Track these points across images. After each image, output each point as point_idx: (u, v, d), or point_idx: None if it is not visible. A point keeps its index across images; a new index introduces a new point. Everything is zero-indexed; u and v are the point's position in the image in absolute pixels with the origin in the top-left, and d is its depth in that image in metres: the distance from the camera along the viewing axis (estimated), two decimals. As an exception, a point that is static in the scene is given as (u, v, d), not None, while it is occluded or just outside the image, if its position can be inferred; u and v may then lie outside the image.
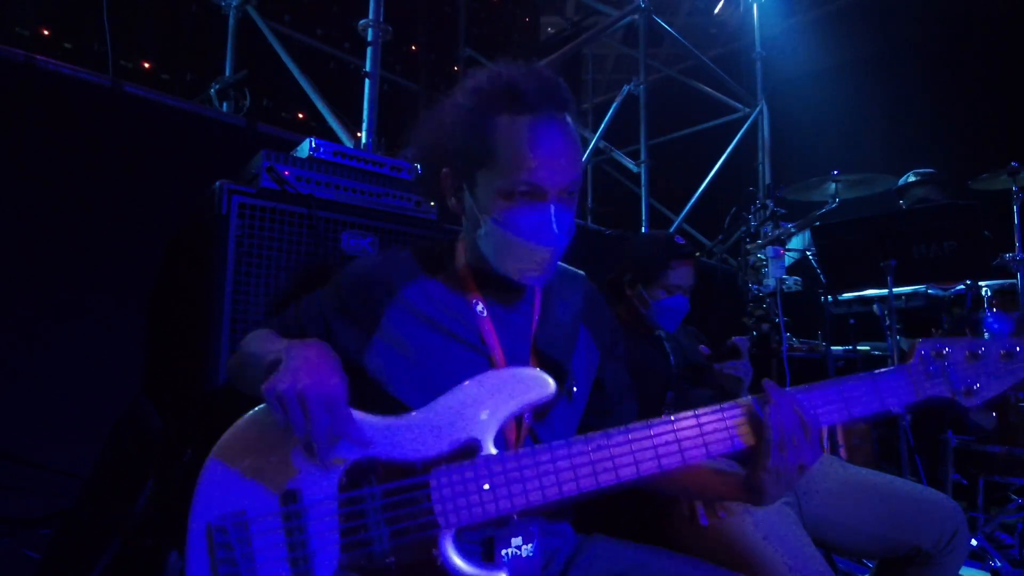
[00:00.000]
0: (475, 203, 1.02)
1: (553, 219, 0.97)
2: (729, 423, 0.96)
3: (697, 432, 0.95)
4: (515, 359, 1.06)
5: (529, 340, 1.10)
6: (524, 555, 0.97)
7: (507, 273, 1.02)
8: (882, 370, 0.98)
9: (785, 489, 0.95)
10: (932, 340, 0.98)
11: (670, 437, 0.95)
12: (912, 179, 3.43)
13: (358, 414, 0.93)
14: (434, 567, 0.90)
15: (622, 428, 0.95)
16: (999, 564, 2.31)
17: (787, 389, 0.96)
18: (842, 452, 2.87)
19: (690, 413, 0.96)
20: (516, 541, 0.97)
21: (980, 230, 2.45)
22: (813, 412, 0.94)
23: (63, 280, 1.73)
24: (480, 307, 1.07)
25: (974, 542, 2.33)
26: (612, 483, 0.93)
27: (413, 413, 0.96)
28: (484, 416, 0.94)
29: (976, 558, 2.35)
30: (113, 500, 1.54)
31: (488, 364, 1.04)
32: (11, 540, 1.52)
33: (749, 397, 0.97)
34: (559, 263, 1.16)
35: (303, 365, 0.88)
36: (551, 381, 0.96)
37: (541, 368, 1.03)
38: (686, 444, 0.95)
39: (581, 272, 1.24)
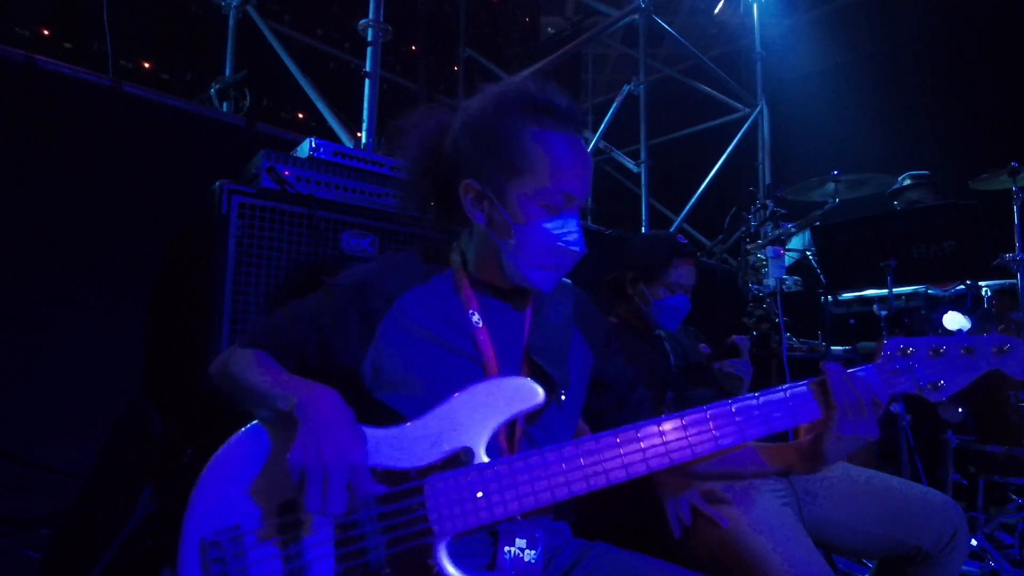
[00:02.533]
0: (506, 212, 1.03)
1: (578, 227, 1.05)
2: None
3: (682, 434, 0.98)
4: (509, 367, 1.07)
5: (522, 347, 1.10)
6: (527, 559, 0.98)
7: (527, 279, 1.05)
8: (854, 368, 1.02)
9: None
10: (897, 338, 1.03)
11: (656, 440, 0.97)
12: (908, 182, 3.43)
13: None
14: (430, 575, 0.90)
15: (611, 431, 0.97)
16: (999, 564, 2.31)
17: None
18: (842, 452, 2.86)
19: (676, 415, 0.99)
20: (520, 543, 0.98)
21: (980, 230, 2.45)
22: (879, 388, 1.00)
23: (63, 280, 1.73)
24: (476, 317, 1.08)
25: (974, 542, 2.33)
26: (602, 486, 0.95)
27: (407, 424, 0.96)
28: (476, 425, 0.95)
29: (976, 558, 2.35)
30: (113, 500, 1.54)
31: (482, 372, 1.05)
32: (11, 540, 1.52)
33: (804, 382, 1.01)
34: None
35: (324, 431, 0.87)
36: (540, 390, 0.98)
37: (533, 374, 1.05)
38: (672, 446, 0.98)
39: (567, 280, 1.25)
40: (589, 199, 1.08)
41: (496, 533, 0.98)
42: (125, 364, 1.80)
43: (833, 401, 0.98)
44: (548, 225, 1.02)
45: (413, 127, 1.12)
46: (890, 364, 1.02)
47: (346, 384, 1.04)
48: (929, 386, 1.01)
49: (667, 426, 0.98)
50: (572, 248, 1.04)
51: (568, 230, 1.03)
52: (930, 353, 1.02)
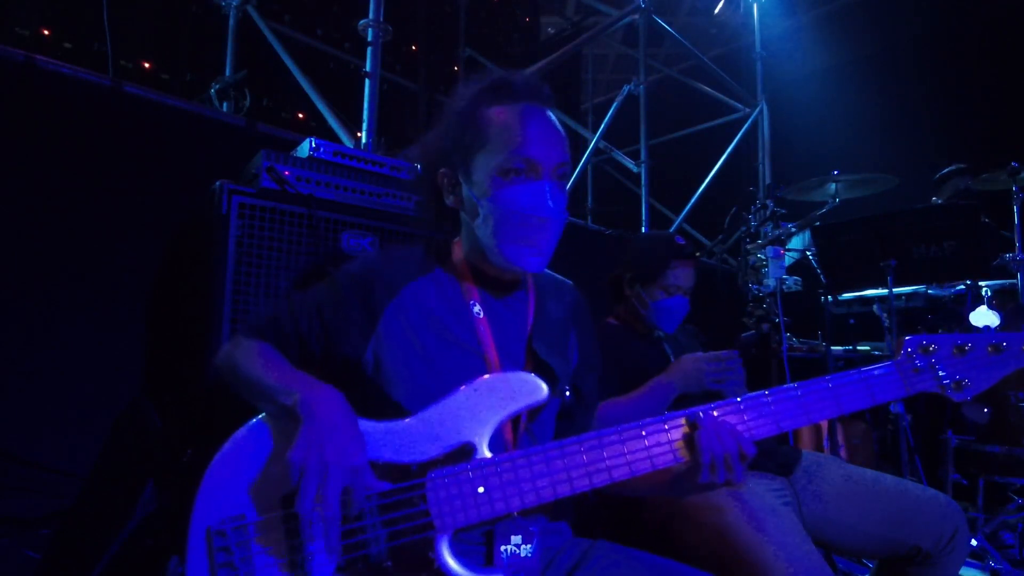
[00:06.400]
0: (472, 190, 1.05)
1: (548, 193, 1.02)
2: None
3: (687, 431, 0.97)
4: (510, 360, 1.07)
5: (524, 341, 1.11)
6: (523, 554, 0.97)
7: (506, 257, 1.03)
8: (871, 366, 0.99)
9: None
10: (919, 335, 0.99)
11: (663, 438, 0.96)
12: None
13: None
14: (431, 570, 0.91)
15: (613, 428, 0.96)
16: (999, 564, 2.31)
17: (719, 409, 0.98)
18: (842, 452, 2.87)
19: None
20: (516, 539, 0.98)
21: (980, 230, 2.45)
22: (748, 437, 0.96)
23: (63, 280, 1.73)
24: (477, 308, 1.08)
25: (974, 542, 2.33)
26: (605, 483, 0.94)
27: (409, 417, 0.96)
28: (479, 419, 0.95)
29: (976, 558, 2.35)
30: (113, 500, 1.54)
31: (484, 365, 1.05)
32: (11, 540, 1.52)
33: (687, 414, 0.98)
34: (548, 272, 1.20)
35: (326, 431, 0.87)
36: (544, 385, 0.98)
37: (535, 369, 1.05)
38: (677, 444, 0.97)
39: (569, 281, 1.27)
40: (566, 166, 1.05)
41: (491, 533, 0.98)
42: (125, 364, 1.80)
43: (698, 457, 0.94)
44: (511, 193, 1.01)
45: (418, 146, 1.18)
46: (911, 362, 0.98)
47: (348, 375, 1.04)
48: (952, 385, 0.97)
49: (672, 423, 0.97)
50: (541, 214, 1.01)
51: (535, 196, 1.01)
52: (954, 351, 0.98)
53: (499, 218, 1.01)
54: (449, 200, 1.10)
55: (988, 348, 0.98)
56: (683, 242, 1.75)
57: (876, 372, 0.98)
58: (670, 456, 0.96)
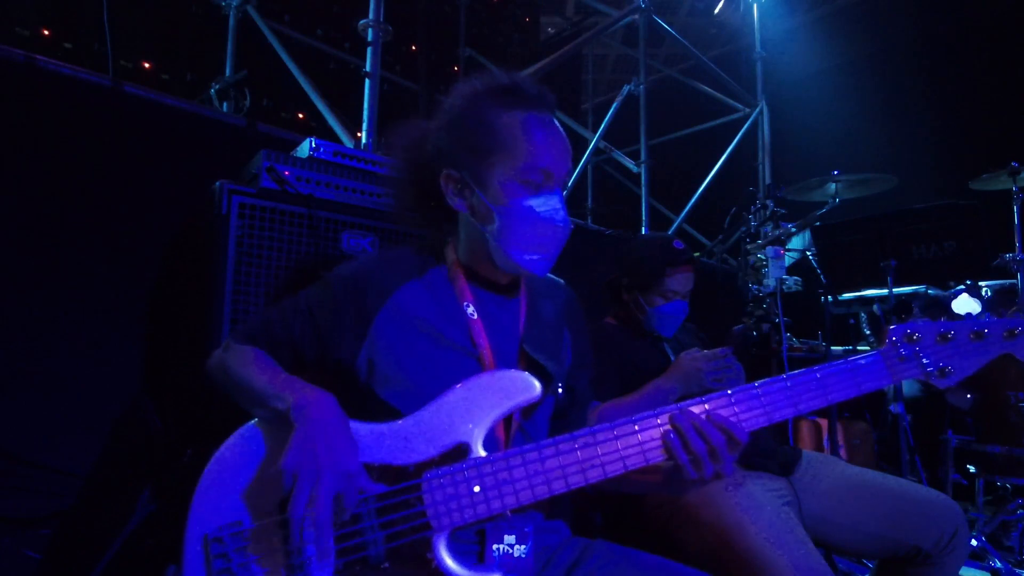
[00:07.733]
0: (486, 197, 1.04)
1: (562, 203, 1.05)
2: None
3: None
4: (504, 360, 1.08)
5: (517, 340, 1.11)
6: (516, 554, 0.98)
7: (517, 262, 1.04)
8: (858, 355, 1.00)
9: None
10: (903, 324, 1.01)
11: (655, 433, 0.96)
12: None
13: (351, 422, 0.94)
14: (429, 570, 0.91)
15: (607, 425, 0.96)
16: (999, 564, 2.31)
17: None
18: (842, 452, 2.87)
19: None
20: (509, 539, 0.98)
21: (980, 230, 2.45)
22: (739, 428, 0.94)
23: (64, 280, 1.73)
24: (471, 309, 1.09)
25: (974, 542, 2.33)
26: (600, 479, 0.94)
27: (404, 419, 0.96)
28: (473, 419, 0.96)
29: (976, 558, 2.36)
30: (113, 500, 1.54)
31: (478, 365, 1.05)
32: (11, 540, 1.52)
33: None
34: None
35: (319, 436, 0.87)
36: (536, 383, 0.98)
37: (528, 368, 1.05)
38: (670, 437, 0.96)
39: (561, 280, 1.28)
40: (570, 174, 1.07)
41: (483, 532, 0.98)
42: (125, 364, 1.80)
43: (675, 459, 0.93)
44: (528, 203, 1.03)
45: (398, 137, 1.16)
46: (896, 351, 0.99)
47: (342, 379, 1.04)
48: (936, 372, 0.98)
49: (664, 418, 0.97)
50: (556, 223, 1.04)
51: (550, 206, 1.03)
52: (937, 338, 0.99)
53: (516, 227, 1.03)
54: (455, 203, 1.09)
55: (970, 335, 0.99)
56: (680, 247, 1.72)
57: (863, 361, 0.99)
58: (663, 450, 0.96)
